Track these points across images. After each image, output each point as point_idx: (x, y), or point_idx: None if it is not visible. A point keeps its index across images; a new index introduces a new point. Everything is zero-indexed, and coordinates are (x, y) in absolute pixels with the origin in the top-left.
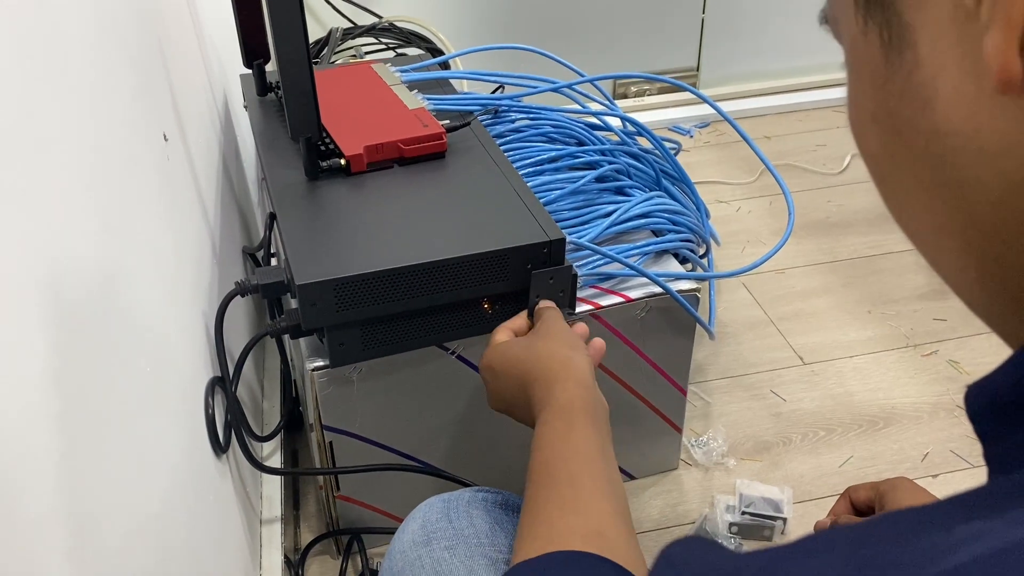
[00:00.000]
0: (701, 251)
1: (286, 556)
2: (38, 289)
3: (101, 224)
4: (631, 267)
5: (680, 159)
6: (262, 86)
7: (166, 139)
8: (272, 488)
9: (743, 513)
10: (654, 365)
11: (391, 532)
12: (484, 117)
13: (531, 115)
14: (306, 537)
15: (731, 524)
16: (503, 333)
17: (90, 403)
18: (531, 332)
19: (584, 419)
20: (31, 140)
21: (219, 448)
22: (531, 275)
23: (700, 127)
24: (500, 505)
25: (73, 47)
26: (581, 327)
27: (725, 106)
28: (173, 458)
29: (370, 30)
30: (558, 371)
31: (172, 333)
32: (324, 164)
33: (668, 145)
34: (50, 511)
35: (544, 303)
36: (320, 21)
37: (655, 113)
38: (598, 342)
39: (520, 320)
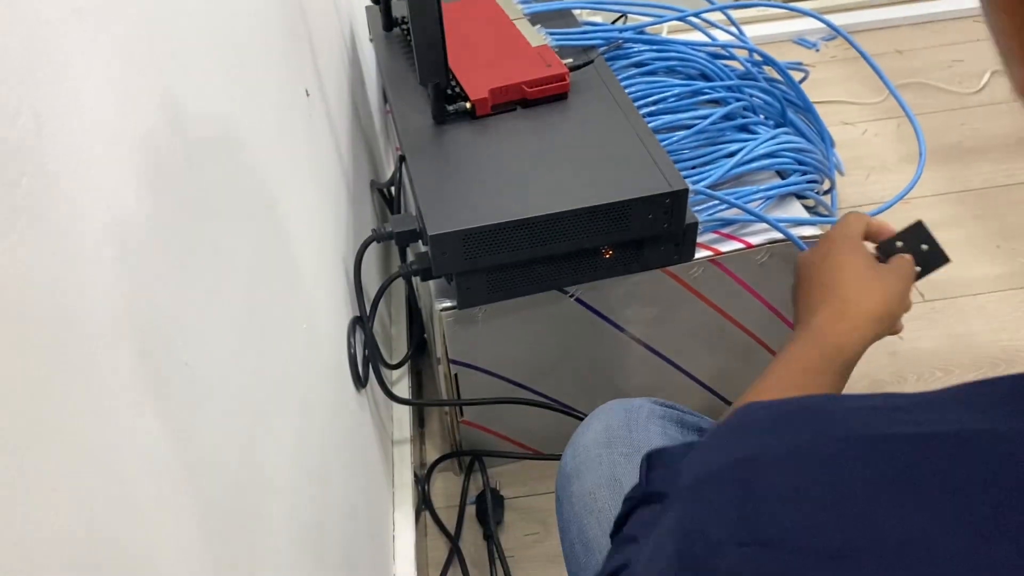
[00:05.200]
0: (825, 187)
1: (414, 472)
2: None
3: (270, 198)
4: (752, 213)
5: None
6: (388, 21)
7: (308, 95)
8: (402, 411)
9: None
10: (773, 310)
11: (509, 455)
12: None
13: (655, 48)
14: (431, 454)
15: None
16: (863, 224)
17: (261, 366)
18: (887, 263)
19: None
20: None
21: (359, 383)
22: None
23: (826, 40)
24: (676, 422)
25: (234, 15)
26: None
27: (854, 16)
28: (327, 396)
29: None
30: (871, 315)
31: (320, 279)
32: (450, 108)
33: (795, 73)
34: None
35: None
36: None
37: (780, 24)
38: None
39: (885, 231)
